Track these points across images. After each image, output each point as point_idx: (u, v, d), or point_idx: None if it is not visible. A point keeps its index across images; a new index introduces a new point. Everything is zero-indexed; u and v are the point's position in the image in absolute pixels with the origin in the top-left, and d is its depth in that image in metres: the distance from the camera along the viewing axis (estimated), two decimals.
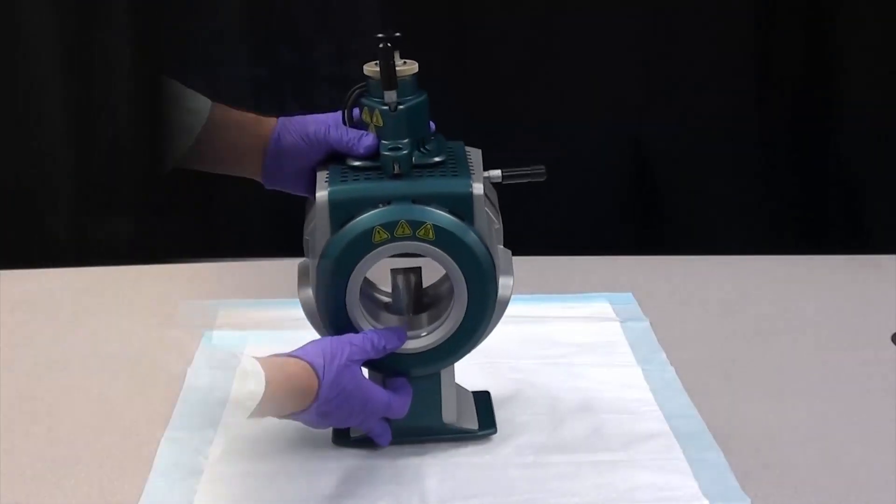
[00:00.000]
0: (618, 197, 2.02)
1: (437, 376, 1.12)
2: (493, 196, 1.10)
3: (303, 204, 1.15)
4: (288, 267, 1.51)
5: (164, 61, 1.80)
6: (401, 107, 1.06)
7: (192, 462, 1.11)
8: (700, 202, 1.99)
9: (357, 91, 1.09)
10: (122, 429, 1.17)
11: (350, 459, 1.12)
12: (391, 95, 1.05)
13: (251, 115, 1.13)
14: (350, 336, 1.07)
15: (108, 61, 1.78)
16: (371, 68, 1.07)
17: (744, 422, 1.21)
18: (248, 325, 1.39)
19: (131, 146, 1.84)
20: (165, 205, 1.88)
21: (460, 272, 1.06)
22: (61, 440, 1.16)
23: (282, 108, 1.87)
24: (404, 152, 1.05)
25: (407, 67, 1.07)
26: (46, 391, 1.25)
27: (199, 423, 1.17)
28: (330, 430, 1.14)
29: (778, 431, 1.19)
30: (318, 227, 1.06)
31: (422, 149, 1.08)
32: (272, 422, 1.16)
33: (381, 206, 1.04)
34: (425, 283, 1.16)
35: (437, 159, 1.08)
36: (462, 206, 1.05)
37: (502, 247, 1.11)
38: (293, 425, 1.13)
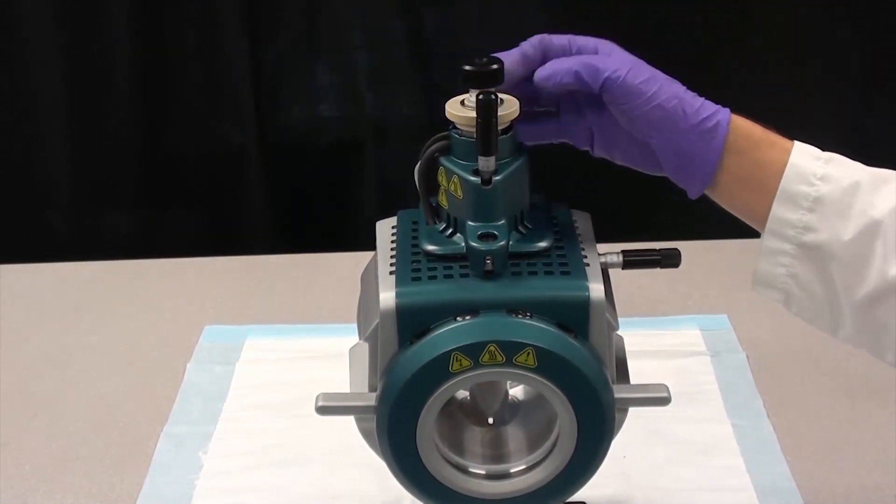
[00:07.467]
0: None
1: None
2: (609, 286, 0.81)
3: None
4: (288, 263, 1.52)
5: (165, 54, 1.81)
6: (497, 177, 0.78)
7: (191, 457, 1.11)
8: None
9: (436, 147, 0.80)
10: (121, 423, 1.18)
11: (356, 455, 1.05)
12: (488, 164, 0.77)
13: None
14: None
15: (109, 55, 1.78)
16: (457, 112, 0.78)
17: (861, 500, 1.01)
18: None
19: (132, 140, 1.84)
20: (166, 199, 1.89)
21: (570, 407, 0.78)
22: (60, 435, 1.16)
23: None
24: (500, 243, 0.77)
25: (509, 111, 0.78)
26: (46, 386, 1.25)
27: (199, 417, 1.17)
28: (339, 431, 0.94)
29: None
30: (380, 332, 0.78)
31: (520, 227, 0.80)
32: (272, 416, 1.17)
33: (461, 317, 0.76)
34: None
35: (541, 245, 0.80)
36: (576, 316, 0.77)
37: (617, 333, 0.81)
38: (293, 420, 1.14)
